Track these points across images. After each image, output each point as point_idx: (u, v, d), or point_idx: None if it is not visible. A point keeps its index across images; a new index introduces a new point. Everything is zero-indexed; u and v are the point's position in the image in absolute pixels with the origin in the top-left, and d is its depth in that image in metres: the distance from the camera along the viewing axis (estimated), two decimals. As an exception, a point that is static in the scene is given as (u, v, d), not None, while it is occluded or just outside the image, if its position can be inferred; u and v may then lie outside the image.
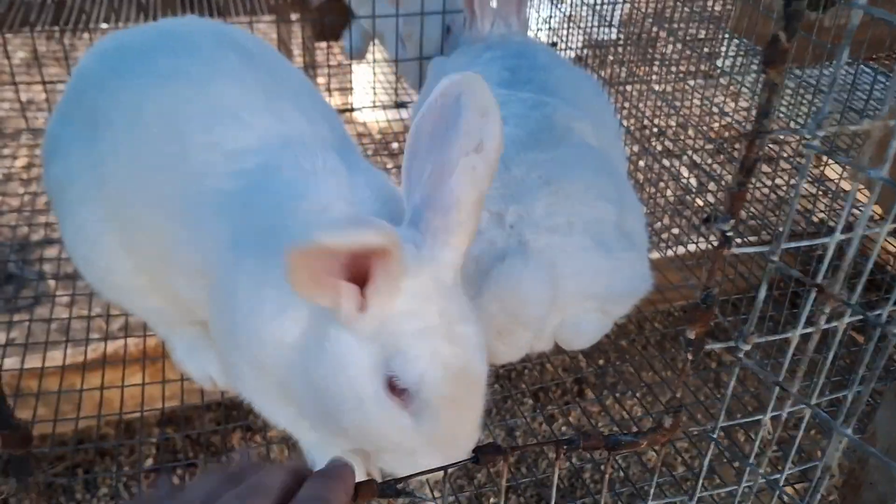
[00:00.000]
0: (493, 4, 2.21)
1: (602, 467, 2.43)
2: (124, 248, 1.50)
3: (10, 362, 2.03)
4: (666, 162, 2.75)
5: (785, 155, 2.87)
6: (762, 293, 0.85)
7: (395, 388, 1.10)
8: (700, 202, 2.83)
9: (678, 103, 2.65)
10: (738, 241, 2.41)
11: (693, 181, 2.76)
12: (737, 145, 2.75)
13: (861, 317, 0.88)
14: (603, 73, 2.89)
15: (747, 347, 0.89)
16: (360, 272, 1.04)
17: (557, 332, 1.65)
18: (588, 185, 1.65)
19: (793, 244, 0.85)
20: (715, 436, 1.01)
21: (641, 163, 2.74)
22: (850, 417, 0.93)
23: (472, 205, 1.10)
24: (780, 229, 2.40)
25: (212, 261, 1.33)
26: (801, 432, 1.02)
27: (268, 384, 1.30)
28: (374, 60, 2.94)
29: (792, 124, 2.56)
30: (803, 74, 2.59)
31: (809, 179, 2.62)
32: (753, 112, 2.63)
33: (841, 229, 0.84)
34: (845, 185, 2.51)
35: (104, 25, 2.91)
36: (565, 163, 1.66)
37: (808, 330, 0.90)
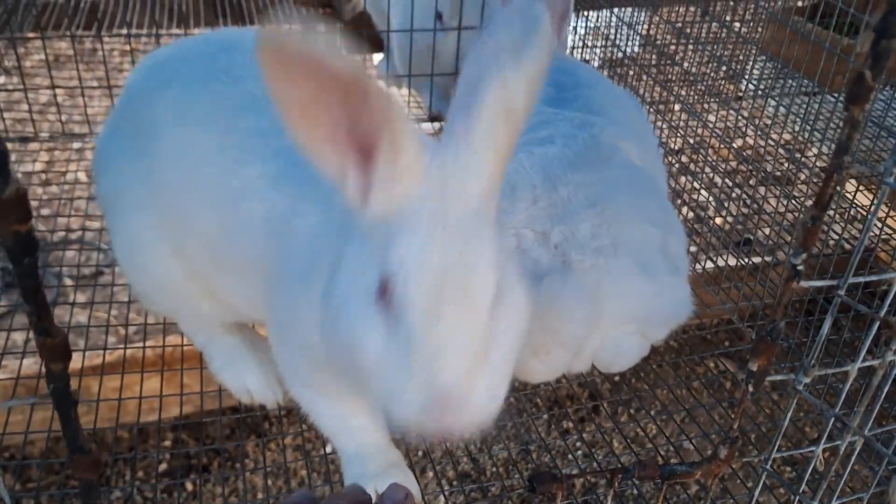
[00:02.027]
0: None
1: (642, 491, 2.43)
2: (176, 255, 1.51)
3: (28, 363, 2.02)
4: (684, 179, 2.75)
5: (802, 177, 2.87)
6: (826, 327, 0.85)
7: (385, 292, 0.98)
8: (720, 220, 2.83)
9: (700, 121, 2.65)
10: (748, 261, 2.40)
11: (712, 199, 2.75)
12: (750, 167, 2.74)
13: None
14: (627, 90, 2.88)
15: (807, 380, 0.89)
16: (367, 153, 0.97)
17: (596, 354, 1.65)
18: (634, 208, 1.65)
19: (860, 278, 0.84)
20: (767, 467, 1.00)
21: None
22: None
23: (498, 112, 0.96)
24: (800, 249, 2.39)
25: (265, 245, 1.34)
26: (852, 463, 1.02)
27: (317, 376, 1.32)
28: (410, 74, 2.93)
29: (823, 147, 2.55)
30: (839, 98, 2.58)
31: (843, 207, 2.61)
32: (774, 131, 2.64)
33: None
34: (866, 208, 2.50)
35: (135, 31, 2.91)
36: (612, 184, 1.66)
37: (869, 363, 0.90)
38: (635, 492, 2.43)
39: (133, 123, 1.52)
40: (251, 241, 1.35)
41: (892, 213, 2.60)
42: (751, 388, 0.88)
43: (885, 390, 0.95)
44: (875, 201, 0.80)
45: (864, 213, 2.54)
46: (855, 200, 2.52)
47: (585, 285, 1.54)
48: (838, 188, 2.56)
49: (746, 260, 2.40)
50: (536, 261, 1.57)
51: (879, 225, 2.59)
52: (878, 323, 0.86)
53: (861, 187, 2.56)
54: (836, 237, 2.52)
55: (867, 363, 0.90)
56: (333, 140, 0.95)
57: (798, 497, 1.03)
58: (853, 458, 1.02)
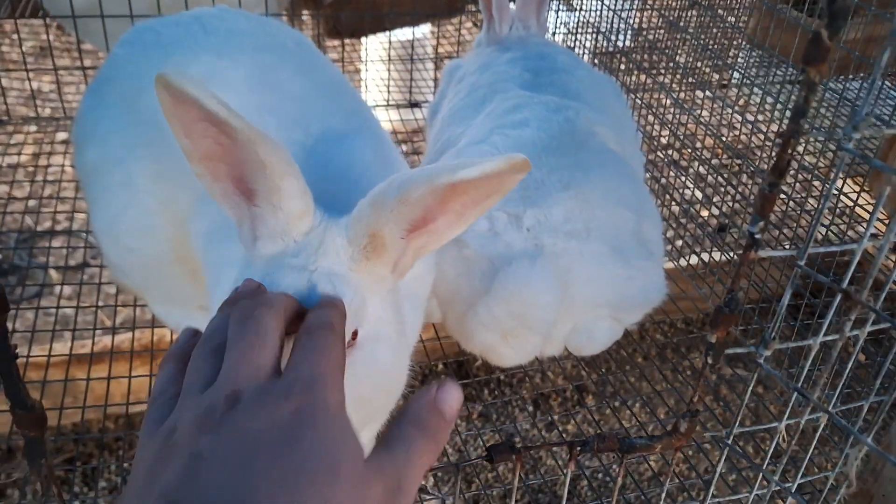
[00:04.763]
0: (512, 7, 2.19)
1: (610, 472, 2.43)
2: (170, 237, 1.50)
3: (13, 352, 2.00)
4: (672, 172, 2.74)
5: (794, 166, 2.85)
6: (786, 298, 0.84)
7: None
8: (706, 213, 2.81)
9: (687, 115, 2.64)
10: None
11: (699, 193, 2.73)
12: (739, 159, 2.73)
13: (881, 326, 0.87)
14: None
15: (767, 353, 0.88)
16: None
17: (569, 338, 1.64)
18: (608, 191, 1.64)
19: (821, 249, 0.83)
20: (729, 442, 0.99)
21: (647, 174, 2.71)
22: (870, 427, 0.92)
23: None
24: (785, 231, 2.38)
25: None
26: (816, 441, 1.01)
27: None
28: (390, 59, 2.93)
29: (811, 143, 2.54)
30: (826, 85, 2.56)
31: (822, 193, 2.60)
32: (762, 123, 2.62)
33: (867, 236, 0.83)
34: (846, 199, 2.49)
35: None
36: (586, 167, 1.65)
37: (831, 337, 0.89)
38: (606, 478, 2.44)
39: (124, 99, 1.49)
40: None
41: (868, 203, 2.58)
42: (710, 360, 0.87)
43: (851, 366, 0.94)
44: (867, 192, 0.79)
45: (852, 208, 2.53)
46: (843, 196, 2.52)
47: (555, 269, 1.53)
48: (828, 182, 2.57)
49: (725, 252, 2.38)
50: (508, 244, 1.56)
51: (870, 220, 2.57)
52: (839, 297, 0.85)
53: (854, 183, 2.55)
54: (823, 233, 2.51)
55: (829, 337, 0.89)
56: (223, 182, 0.97)
57: (761, 473, 1.02)
58: (818, 434, 1.01)
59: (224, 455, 0.65)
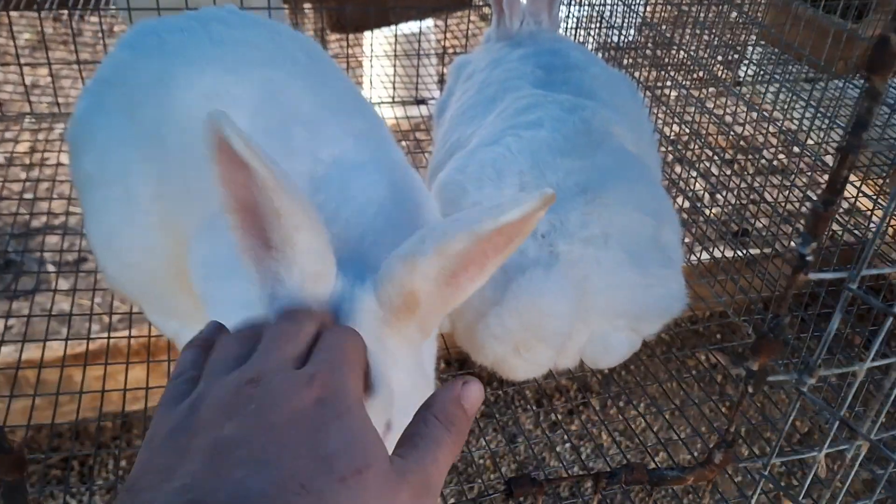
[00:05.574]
0: (523, 1, 2.13)
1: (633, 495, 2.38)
2: (170, 255, 1.44)
3: (8, 351, 1.96)
4: (680, 169, 2.69)
5: (803, 166, 2.81)
6: (834, 323, 0.78)
7: None
8: (715, 211, 2.77)
9: (693, 110, 2.59)
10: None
11: (707, 189, 2.69)
12: (749, 156, 2.68)
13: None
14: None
15: (812, 381, 0.82)
16: None
17: (584, 350, 1.57)
18: (626, 195, 1.58)
19: (874, 271, 0.78)
20: (767, 472, 0.94)
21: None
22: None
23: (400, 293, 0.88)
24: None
25: None
26: (855, 468, 0.96)
27: None
28: (395, 54, 2.86)
29: (832, 135, 2.49)
30: (828, 87, 2.51)
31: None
32: (774, 119, 2.57)
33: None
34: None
35: (113, 8, 2.83)
36: (603, 170, 1.59)
37: (879, 363, 0.83)
38: (622, 487, 2.39)
39: (123, 106, 1.43)
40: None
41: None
42: (750, 389, 0.81)
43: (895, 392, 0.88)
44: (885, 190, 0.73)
45: (863, 208, 2.48)
46: (852, 193, 2.47)
47: (571, 278, 1.47)
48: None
49: (743, 252, 2.33)
50: (522, 251, 1.49)
51: (878, 219, 2.53)
52: (890, 320, 0.79)
53: (857, 180, 2.50)
54: (840, 228, 2.46)
55: (878, 362, 0.83)
56: (252, 237, 0.86)
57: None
58: (857, 462, 0.96)
59: (249, 447, 0.64)
